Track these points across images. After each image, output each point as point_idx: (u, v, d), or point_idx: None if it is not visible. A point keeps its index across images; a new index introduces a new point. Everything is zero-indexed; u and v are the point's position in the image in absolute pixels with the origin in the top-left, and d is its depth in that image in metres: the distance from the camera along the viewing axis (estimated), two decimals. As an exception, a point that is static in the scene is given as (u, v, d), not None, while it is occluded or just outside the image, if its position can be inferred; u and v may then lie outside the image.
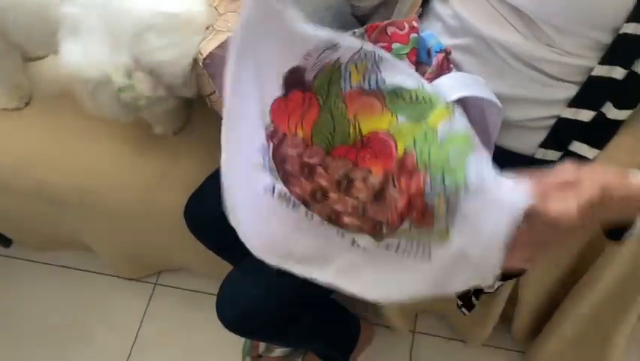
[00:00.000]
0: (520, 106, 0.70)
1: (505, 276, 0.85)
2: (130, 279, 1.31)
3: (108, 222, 1.09)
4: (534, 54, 0.66)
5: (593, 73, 0.65)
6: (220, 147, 0.64)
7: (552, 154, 0.71)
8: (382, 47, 0.70)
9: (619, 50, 0.63)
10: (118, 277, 1.32)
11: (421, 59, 0.72)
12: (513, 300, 0.98)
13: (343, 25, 0.94)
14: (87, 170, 1.01)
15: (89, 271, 1.34)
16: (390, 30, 0.71)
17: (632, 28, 0.61)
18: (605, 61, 0.64)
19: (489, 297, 0.95)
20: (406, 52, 0.72)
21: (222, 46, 0.71)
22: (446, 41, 0.73)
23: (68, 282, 1.32)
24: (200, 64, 0.69)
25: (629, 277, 0.83)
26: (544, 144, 0.71)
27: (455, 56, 0.72)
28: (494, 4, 0.68)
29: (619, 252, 0.78)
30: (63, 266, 1.35)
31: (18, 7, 0.81)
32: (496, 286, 0.89)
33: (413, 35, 0.71)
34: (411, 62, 0.72)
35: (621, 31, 0.61)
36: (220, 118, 0.79)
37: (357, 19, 0.98)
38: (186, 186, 0.94)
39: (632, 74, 0.64)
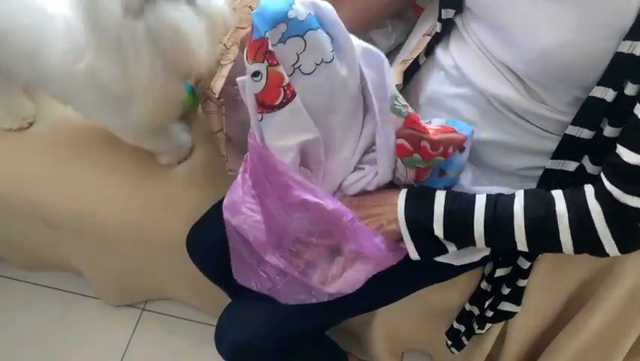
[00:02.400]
0: (515, 154, 0.72)
1: (496, 318, 0.88)
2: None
3: (104, 248, 1.08)
4: (527, 109, 0.68)
5: (567, 132, 0.65)
6: (222, 177, 0.67)
7: None
8: (403, 147, 0.68)
9: (585, 112, 0.63)
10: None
11: (432, 175, 0.72)
12: (499, 339, 1.00)
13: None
14: (87, 194, 1.00)
15: (75, 293, 1.31)
16: (423, 143, 0.67)
17: (599, 92, 0.61)
18: (574, 122, 0.64)
19: (478, 337, 0.96)
20: (420, 166, 0.69)
21: (229, 80, 0.71)
22: (448, 90, 0.75)
23: (52, 303, 1.30)
24: (214, 102, 0.71)
25: (614, 325, 0.86)
26: None
27: (456, 104, 0.74)
28: (490, 58, 0.70)
29: (604, 301, 0.81)
30: (48, 287, 1.32)
31: (10, 31, 0.81)
32: (487, 327, 0.91)
33: (438, 158, 0.69)
34: (416, 176, 0.71)
35: (590, 94, 0.62)
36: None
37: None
38: (187, 215, 0.94)
39: (599, 135, 0.64)
